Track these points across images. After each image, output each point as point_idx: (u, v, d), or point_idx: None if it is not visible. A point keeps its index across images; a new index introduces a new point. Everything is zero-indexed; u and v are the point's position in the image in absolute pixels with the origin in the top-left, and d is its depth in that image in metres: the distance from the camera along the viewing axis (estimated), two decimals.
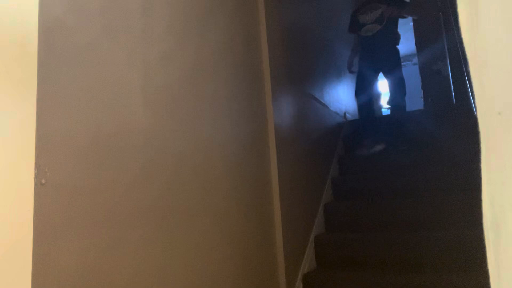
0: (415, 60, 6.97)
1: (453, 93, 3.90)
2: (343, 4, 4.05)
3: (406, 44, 7.42)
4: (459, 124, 2.79)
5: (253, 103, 1.92)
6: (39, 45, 0.83)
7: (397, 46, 3.19)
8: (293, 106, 2.37)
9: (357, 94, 3.16)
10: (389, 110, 3.27)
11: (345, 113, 3.58)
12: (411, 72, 7.88)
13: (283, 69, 2.27)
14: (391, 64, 3.09)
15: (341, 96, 3.55)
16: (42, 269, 0.79)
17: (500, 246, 0.32)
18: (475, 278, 1.68)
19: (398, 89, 3.07)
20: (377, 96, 3.14)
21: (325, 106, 2.97)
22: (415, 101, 6.53)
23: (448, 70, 4.04)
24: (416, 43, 4.48)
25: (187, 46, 1.42)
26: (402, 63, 8.35)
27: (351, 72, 3.35)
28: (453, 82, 3.90)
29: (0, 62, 0.86)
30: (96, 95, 0.99)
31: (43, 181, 0.80)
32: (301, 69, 2.61)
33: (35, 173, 0.79)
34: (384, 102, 7.01)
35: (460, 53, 3.31)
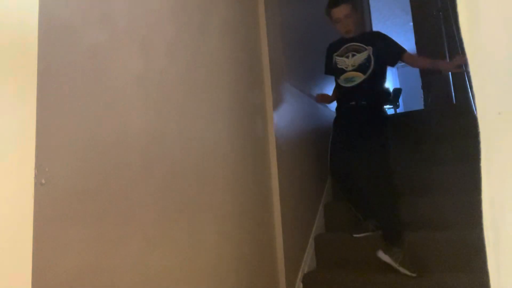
0: None
1: (453, 93, 3.90)
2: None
3: (406, 44, 7.46)
4: (459, 124, 2.79)
5: (253, 103, 1.92)
6: (39, 45, 0.83)
7: (385, 110, 2.33)
8: (293, 106, 2.37)
9: (332, 168, 2.27)
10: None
11: None
12: (411, 72, 7.89)
13: (283, 69, 2.27)
14: (371, 137, 2.14)
15: None
16: (42, 269, 0.79)
17: (500, 246, 0.32)
18: (475, 278, 1.68)
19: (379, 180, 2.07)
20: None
21: (325, 106, 2.97)
22: (415, 101, 6.54)
23: None
24: (416, 43, 4.48)
25: (187, 47, 1.42)
26: (402, 63, 8.34)
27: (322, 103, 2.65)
28: (453, 82, 3.90)
29: (0, 62, 0.86)
30: (97, 95, 0.99)
31: (43, 181, 0.80)
32: (302, 69, 2.61)
33: (35, 173, 0.79)
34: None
35: (460, 53, 3.29)
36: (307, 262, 2.18)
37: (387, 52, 2.30)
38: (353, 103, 2.26)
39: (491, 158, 0.33)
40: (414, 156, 2.74)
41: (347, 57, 2.30)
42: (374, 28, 5.65)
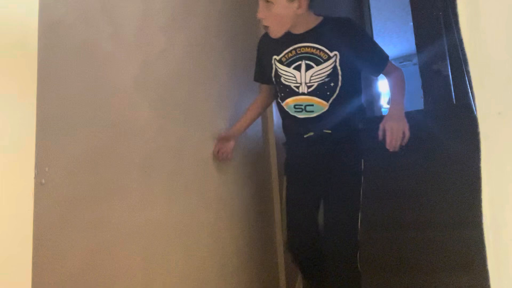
0: (415, 60, 6.98)
1: (453, 93, 3.90)
2: (344, 2, 4.05)
3: (406, 44, 7.45)
4: (459, 124, 2.79)
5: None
6: (39, 45, 0.83)
7: (358, 139, 1.49)
8: None
9: (292, 239, 1.55)
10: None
11: None
12: (411, 72, 7.90)
13: None
14: (342, 184, 1.46)
15: None
16: (42, 269, 0.79)
17: (500, 246, 0.32)
18: (475, 278, 1.68)
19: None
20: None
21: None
22: (415, 101, 6.55)
23: (448, 70, 4.05)
24: (416, 43, 4.49)
25: (187, 45, 1.42)
26: (402, 63, 8.32)
27: None
28: (453, 82, 3.91)
29: (0, 62, 0.86)
30: (97, 94, 0.99)
31: (43, 181, 0.80)
32: None
33: (35, 173, 0.79)
34: (384, 102, 7.02)
35: (460, 53, 3.28)
36: None
37: (365, 60, 1.40)
38: (311, 134, 1.45)
39: (491, 158, 0.33)
40: (414, 156, 2.74)
41: (298, 68, 1.37)
42: (374, 29, 5.57)
